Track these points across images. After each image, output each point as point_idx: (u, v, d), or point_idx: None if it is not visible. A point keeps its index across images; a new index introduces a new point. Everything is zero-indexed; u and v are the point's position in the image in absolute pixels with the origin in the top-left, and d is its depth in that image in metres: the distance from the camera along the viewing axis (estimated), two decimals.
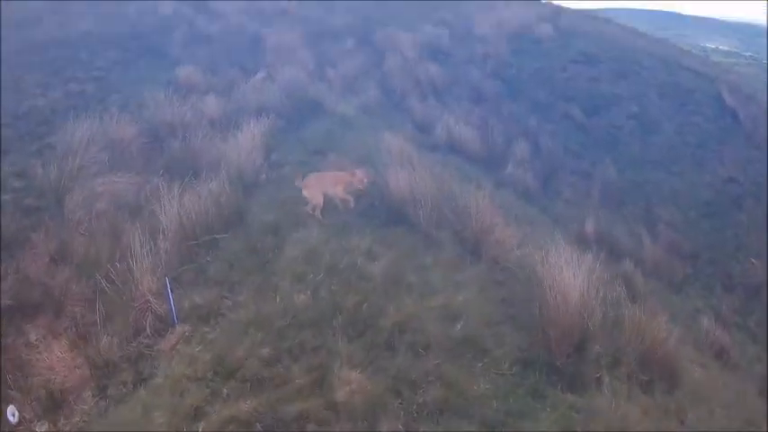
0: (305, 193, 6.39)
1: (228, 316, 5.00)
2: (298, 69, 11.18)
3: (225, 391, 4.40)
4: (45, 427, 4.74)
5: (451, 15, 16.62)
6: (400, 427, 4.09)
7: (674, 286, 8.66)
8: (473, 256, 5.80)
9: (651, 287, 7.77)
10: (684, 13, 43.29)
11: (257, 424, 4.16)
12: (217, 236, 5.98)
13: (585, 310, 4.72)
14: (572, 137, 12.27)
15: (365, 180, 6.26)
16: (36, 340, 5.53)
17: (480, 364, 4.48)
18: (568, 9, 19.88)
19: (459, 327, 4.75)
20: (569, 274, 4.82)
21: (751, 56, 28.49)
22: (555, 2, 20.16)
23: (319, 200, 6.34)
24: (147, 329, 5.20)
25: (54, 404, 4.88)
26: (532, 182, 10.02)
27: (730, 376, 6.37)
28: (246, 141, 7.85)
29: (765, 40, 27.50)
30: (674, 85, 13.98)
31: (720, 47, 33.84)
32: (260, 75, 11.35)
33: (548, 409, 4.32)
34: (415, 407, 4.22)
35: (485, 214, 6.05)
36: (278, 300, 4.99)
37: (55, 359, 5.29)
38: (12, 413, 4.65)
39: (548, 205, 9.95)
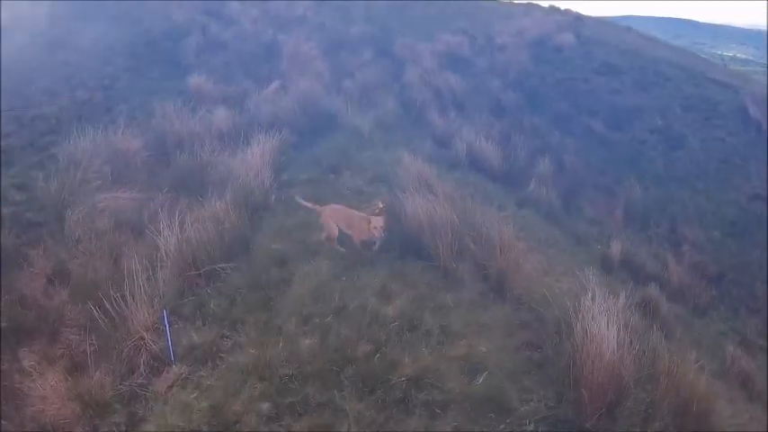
0: (321, 221, 6.04)
1: (228, 359, 4.60)
2: (313, 80, 10.84)
3: None
4: None
5: (470, 24, 16.32)
6: None
7: (699, 309, 8.27)
8: (497, 294, 5.34)
9: (676, 312, 7.40)
10: (700, 20, 42.93)
11: None
12: (219, 266, 5.59)
13: (621, 363, 4.26)
14: (595, 152, 11.94)
15: (380, 228, 5.75)
16: (30, 367, 5.19)
17: (503, 426, 4.02)
18: (588, 17, 19.55)
19: (480, 380, 4.29)
20: (603, 323, 4.35)
21: None
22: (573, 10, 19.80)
23: (335, 231, 5.96)
24: (142, 367, 4.84)
25: None
26: (555, 200, 9.56)
27: (756, 408, 5.91)
28: (256, 158, 7.48)
29: None
30: (697, 97, 13.67)
31: (738, 55, 33.40)
32: (273, 85, 11.04)
33: None
34: None
35: (509, 246, 5.60)
36: (281, 344, 4.57)
37: (49, 388, 4.94)
38: None
39: (570, 224, 9.51)
